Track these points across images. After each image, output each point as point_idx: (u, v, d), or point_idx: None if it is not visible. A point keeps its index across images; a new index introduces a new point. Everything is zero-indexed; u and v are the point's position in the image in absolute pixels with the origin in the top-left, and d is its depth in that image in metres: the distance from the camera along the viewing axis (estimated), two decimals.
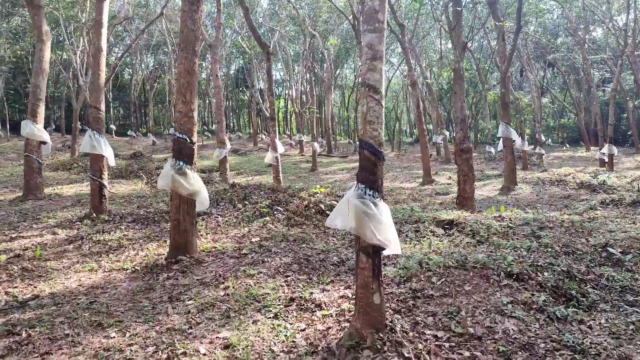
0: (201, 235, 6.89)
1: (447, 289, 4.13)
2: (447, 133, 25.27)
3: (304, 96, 38.18)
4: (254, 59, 31.44)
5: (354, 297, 4.27)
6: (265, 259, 5.55)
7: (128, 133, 40.93)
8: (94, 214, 7.80)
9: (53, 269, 5.56)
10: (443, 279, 4.29)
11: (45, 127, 10.98)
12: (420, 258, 4.76)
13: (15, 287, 4.93)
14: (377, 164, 3.48)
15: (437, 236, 6.12)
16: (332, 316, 3.96)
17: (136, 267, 5.51)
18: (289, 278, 4.93)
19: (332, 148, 31.37)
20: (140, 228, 7.46)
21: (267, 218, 7.64)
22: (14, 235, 7.09)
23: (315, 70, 34.73)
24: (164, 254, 5.87)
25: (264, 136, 45.44)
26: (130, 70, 47.37)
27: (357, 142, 35.84)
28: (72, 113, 26.18)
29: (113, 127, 43.38)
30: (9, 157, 21.25)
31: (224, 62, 47.73)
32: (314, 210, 8.00)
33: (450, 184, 15.97)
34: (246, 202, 8.61)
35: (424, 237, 6.19)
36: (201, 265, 5.46)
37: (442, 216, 6.80)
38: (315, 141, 22.86)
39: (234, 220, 7.75)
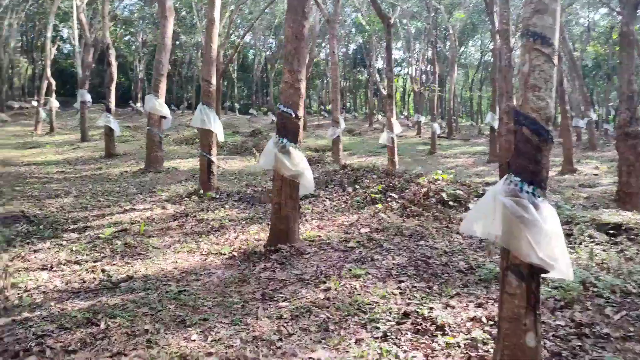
0: (306, 220, 6.26)
1: (631, 329, 2.91)
2: (594, 115, 21.82)
3: (424, 75, 36.18)
4: (373, 36, 30.26)
5: (489, 321, 3.26)
6: (375, 256, 4.71)
7: (249, 112, 42.58)
8: (202, 191, 7.63)
9: (154, 246, 5.33)
10: (623, 312, 3.06)
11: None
12: (584, 276, 3.54)
13: (114, 264, 4.72)
14: (542, 148, 2.40)
15: (598, 244, 4.73)
16: (459, 346, 3.00)
17: (234, 253, 5.04)
18: (402, 284, 4.03)
19: (453, 130, 29.24)
20: (245, 208, 7.08)
21: (379, 205, 6.77)
22: (127, 208, 7.16)
23: (438, 47, 32.49)
24: (264, 240, 5.33)
25: (379, 116, 44.36)
26: (254, 51, 49.25)
27: (481, 124, 33.06)
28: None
29: (237, 105, 45.63)
30: (144, 131, 23.03)
31: (343, 42, 47.29)
32: (434, 199, 6.93)
33: (597, 174, 13.57)
34: (357, 186, 7.83)
35: (580, 244, 4.83)
36: (302, 257, 4.80)
37: (605, 217, 5.31)
38: (434, 122, 21.25)
39: (343, 206, 7.01)
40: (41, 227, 5.98)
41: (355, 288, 3.94)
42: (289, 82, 4.96)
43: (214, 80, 7.69)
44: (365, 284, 4.04)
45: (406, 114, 50.36)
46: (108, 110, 12.89)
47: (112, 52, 13.09)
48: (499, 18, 15.11)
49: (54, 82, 22.08)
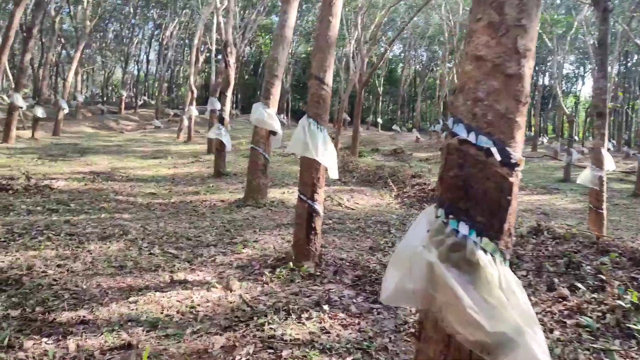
0: None
1: None
2: None
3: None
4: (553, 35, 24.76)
5: None
6: None
7: (392, 128, 39.95)
8: (295, 258, 4.64)
9: None
10: None
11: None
12: None
13: None
14: None
15: None
16: None
17: None
18: None
19: None
20: (360, 311, 3.83)
21: None
22: (177, 277, 4.47)
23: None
24: None
25: (544, 140, 38.46)
26: (402, 64, 46.64)
27: None
28: (353, 106, 25.35)
29: (380, 120, 43.14)
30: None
31: None
32: None
33: None
34: (577, 283, 4.10)
35: None
36: None
37: None
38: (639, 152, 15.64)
39: (557, 335, 3.40)
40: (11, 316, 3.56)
41: None
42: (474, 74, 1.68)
43: (329, 79, 4.71)
44: None
45: (576, 138, 42.82)
46: (221, 121, 10.90)
47: (232, 52, 11.12)
48: None
49: (195, 91, 21.75)
